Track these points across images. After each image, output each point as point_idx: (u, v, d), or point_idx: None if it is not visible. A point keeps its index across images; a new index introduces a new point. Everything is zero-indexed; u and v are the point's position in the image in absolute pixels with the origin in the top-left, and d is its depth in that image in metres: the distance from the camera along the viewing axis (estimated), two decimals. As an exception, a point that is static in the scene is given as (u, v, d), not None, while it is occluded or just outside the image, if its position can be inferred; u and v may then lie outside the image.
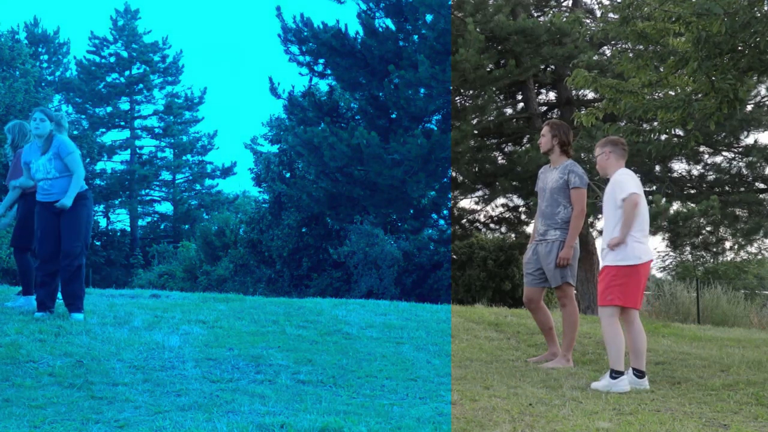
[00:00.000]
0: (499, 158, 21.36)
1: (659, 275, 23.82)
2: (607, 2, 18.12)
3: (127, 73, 41.02)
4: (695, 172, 19.97)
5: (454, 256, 20.56)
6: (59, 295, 7.39)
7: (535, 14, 20.83)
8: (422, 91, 19.19)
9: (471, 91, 19.97)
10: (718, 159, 19.85)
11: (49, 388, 4.91)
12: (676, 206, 18.94)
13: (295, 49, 21.06)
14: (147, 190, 41.78)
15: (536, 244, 6.94)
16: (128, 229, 40.36)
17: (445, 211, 22.17)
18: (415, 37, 20.41)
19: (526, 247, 7.19)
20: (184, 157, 41.87)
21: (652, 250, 5.79)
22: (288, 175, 24.50)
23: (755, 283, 21.14)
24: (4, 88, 28.92)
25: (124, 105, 41.55)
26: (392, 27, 20.67)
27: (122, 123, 41.56)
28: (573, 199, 6.78)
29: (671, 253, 19.74)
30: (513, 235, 21.77)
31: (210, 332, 6.86)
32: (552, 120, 7.25)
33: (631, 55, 9.33)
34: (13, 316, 6.82)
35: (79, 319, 6.87)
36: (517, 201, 21.56)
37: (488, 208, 22.26)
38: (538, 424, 4.44)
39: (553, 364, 6.67)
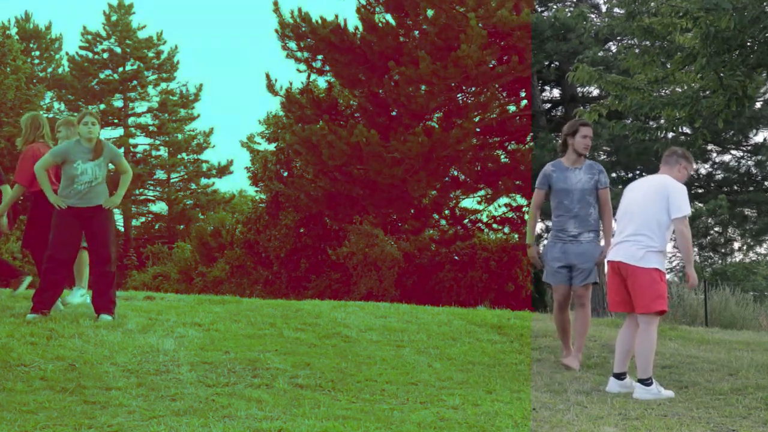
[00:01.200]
0: (502, 156, 21.32)
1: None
2: (614, -3, 18.07)
3: (120, 69, 41.02)
4: (703, 171, 20.07)
5: (456, 257, 20.42)
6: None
7: (539, 9, 20.79)
8: (423, 87, 19.01)
9: (473, 88, 19.89)
10: (727, 157, 20.01)
11: (40, 392, 4.89)
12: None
13: (292, 44, 20.94)
14: (141, 190, 41.56)
15: (565, 243, 6.90)
16: (122, 229, 40.08)
17: (446, 211, 22.08)
18: (416, 32, 20.31)
19: (545, 245, 7.23)
20: (179, 156, 41.82)
21: (617, 249, 5.96)
22: (286, 174, 24.52)
23: (765, 285, 20.93)
24: (-5, 84, 28.74)
25: (118, 102, 41.45)
26: (392, 22, 20.57)
27: (116, 121, 41.42)
28: (603, 199, 6.89)
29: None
30: (516, 236, 21.67)
31: (205, 335, 6.84)
32: (586, 120, 7.41)
33: (637, 51, 9.46)
34: (3, 319, 6.77)
35: (109, 319, 7.00)
36: (521, 201, 21.56)
37: (491, 207, 22.43)
38: (542, 429, 4.47)
39: (569, 362, 6.75)
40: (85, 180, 7.00)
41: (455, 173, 20.72)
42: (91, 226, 7.07)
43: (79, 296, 8.03)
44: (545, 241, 22.41)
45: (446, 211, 22.46)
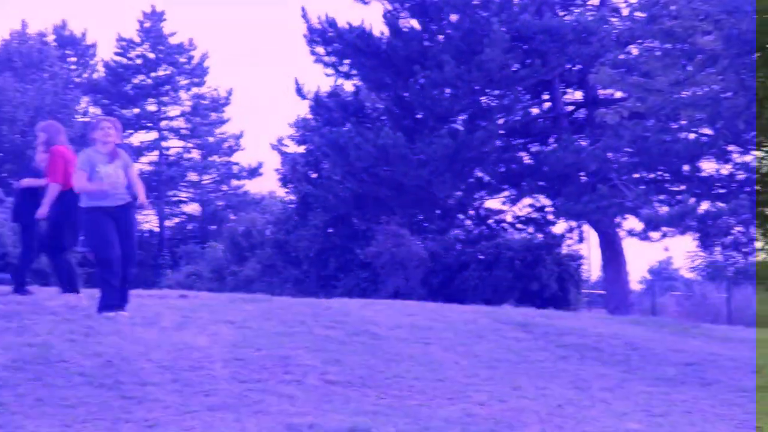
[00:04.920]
0: (526, 158, 21.30)
1: (689, 276, 23.62)
2: (634, 0, 18.01)
3: (153, 74, 41.15)
4: (724, 172, 19.73)
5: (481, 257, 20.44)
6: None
7: (561, 13, 20.75)
8: (448, 91, 19.13)
9: (497, 91, 19.94)
10: (748, 158, 19.34)
11: (80, 387, 4.93)
12: (705, 206, 18.75)
13: (320, 49, 21.06)
14: (174, 191, 41.89)
15: None
16: (156, 230, 40.63)
17: (471, 212, 22.07)
18: (441, 37, 20.35)
19: None
20: (210, 158, 41.91)
21: None
22: (314, 175, 24.46)
23: (786, 284, 20.86)
24: (33, 90, 29.28)
25: (151, 106, 41.65)
26: (417, 27, 20.63)
27: (149, 124, 41.78)
28: None
29: (701, 253, 19.61)
30: (540, 236, 21.68)
31: (238, 332, 6.85)
32: None
33: (658, 53, 9.24)
34: (44, 317, 6.83)
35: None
36: (544, 201, 21.47)
37: (515, 208, 22.24)
38: (567, 425, 4.49)
39: None
40: (111, 182, 7.08)
41: (480, 174, 20.74)
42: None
43: None
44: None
45: (471, 212, 22.47)
